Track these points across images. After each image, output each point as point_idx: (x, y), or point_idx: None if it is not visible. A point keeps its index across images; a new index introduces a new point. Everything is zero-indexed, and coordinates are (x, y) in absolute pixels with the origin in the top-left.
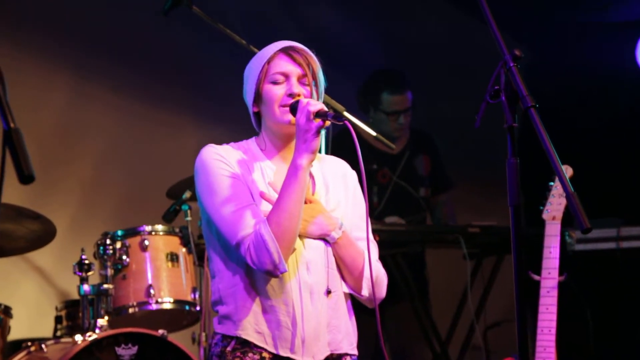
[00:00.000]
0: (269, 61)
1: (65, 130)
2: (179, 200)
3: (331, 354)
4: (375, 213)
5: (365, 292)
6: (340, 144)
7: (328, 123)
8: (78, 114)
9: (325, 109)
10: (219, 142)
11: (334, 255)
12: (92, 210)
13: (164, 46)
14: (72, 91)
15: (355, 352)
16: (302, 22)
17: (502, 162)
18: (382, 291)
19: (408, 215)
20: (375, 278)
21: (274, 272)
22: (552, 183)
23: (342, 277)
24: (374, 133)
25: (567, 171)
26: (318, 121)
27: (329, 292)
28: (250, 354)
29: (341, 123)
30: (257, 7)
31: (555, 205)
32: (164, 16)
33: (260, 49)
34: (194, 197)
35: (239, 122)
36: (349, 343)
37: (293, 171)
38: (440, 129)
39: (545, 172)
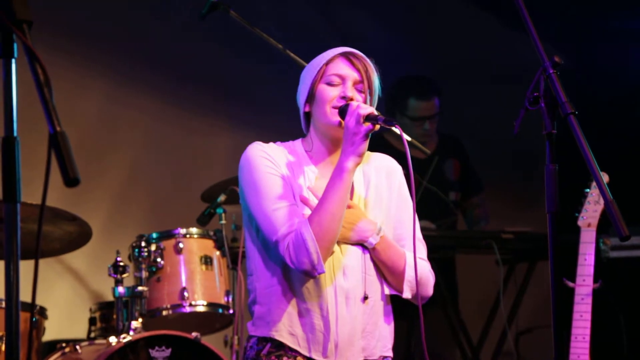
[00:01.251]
0: (327, 63)
1: (100, 134)
2: (214, 204)
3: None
4: None
5: (408, 294)
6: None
7: (378, 127)
8: (112, 118)
9: (376, 113)
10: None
11: (374, 260)
12: (127, 213)
13: (198, 51)
14: (105, 97)
15: (390, 353)
16: (336, 28)
17: (535, 168)
18: (427, 290)
19: (438, 219)
20: (420, 278)
21: (312, 272)
22: (587, 190)
23: (385, 280)
24: (408, 138)
25: (604, 178)
26: (367, 125)
27: (365, 297)
28: (285, 358)
29: (392, 127)
30: (291, 13)
31: (591, 212)
32: (201, 20)
33: (295, 53)
34: (228, 201)
35: (273, 126)
36: (382, 346)
37: (338, 173)
38: (473, 134)
39: (580, 179)
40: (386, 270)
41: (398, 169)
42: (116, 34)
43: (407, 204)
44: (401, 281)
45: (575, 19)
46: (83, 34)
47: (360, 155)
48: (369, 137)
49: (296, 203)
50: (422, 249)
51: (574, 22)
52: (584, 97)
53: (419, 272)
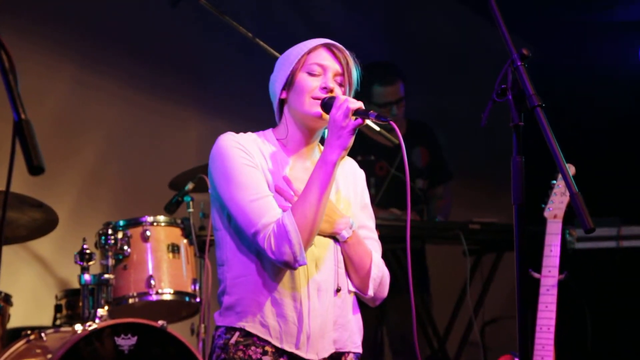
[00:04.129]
0: (309, 52)
1: (68, 120)
2: (181, 192)
3: (335, 352)
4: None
5: (371, 292)
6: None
7: (366, 122)
8: (81, 104)
9: (363, 107)
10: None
11: (342, 254)
12: (94, 200)
13: (168, 38)
14: (75, 82)
15: (360, 350)
16: (307, 16)
17: (504, 158)
18: (385, 291)
19: (405, 207)
20: (381, 278)
21: (293, 264)
22: (554, 181)
23: (348, 276)
24: (377, 128)
25: (570, 170)
26: (356, 119)
27: (337, 290)
28: (253, 347)
29: (385, 123)
30: (262, 1)
31: (557, 203)
32: (171, 8)
33: (264, 42)
34: (196, 189)
35: (242, 114)
36: (353, 341)
37: (324, 166)
38: (443, 124)
39: (547, 170)
40: (352, 266)
41: (362, 173)
42: (90, 19)
43: (368, 210)
44: (367, 279)
45: (542, 11)
46: (56, 18)
47: (346, 149)
48: (356, 131)
49: (272, 194)
50: (377, 249)
51: (540, 14)
52: (551, 90)
53: (381, 273)
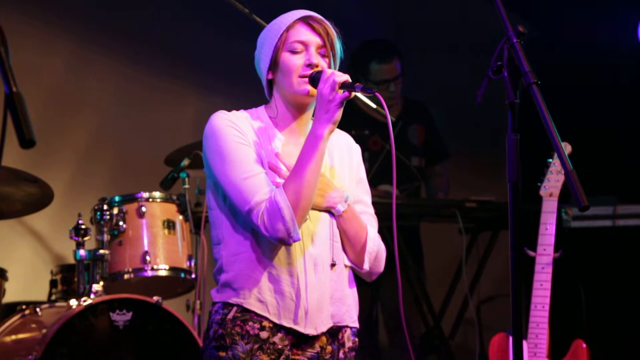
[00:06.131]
0: (287, 29)
1: (64, 95)
2: (177, 168)
3: (333, 326)
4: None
5: (367, 266)
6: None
7: (354, 94)
8: (78, 79)
9: (350, 80)
10: (218, 110)
11: (337, 228)
12: (90, 176)
13: (164, 16)
14: (72, 57)
15: (357, 324)
16: None
17: (500, 137)
18: (381, 265)
19: (400, 184)
20: (376, 252)
21: (287, 240)
22: (550, 160)
23: (344, 251)
24: (374, 105)
25: (566, 148)
26: (343, 92)
27: (333, 264)
28: (250, 323)
29: (371, 94)
30: None
31: (553, 182)
32: None
33: (262, 18)
34: (192, 165)
35: (238, 91)
36: (350, 316)
37: (312, 140)
38: (438, 102)
39: (544, 149)
40: (348, 240)
41: (357, 148)
42: None
43: (364, 185)
44: (362, 253)
45: None
46: None
47: (335, 123)
48: (344, 104)
49: (266, 171)
50: (374, 223)
51: None
52: (548, 67)
53: (376, 247)
